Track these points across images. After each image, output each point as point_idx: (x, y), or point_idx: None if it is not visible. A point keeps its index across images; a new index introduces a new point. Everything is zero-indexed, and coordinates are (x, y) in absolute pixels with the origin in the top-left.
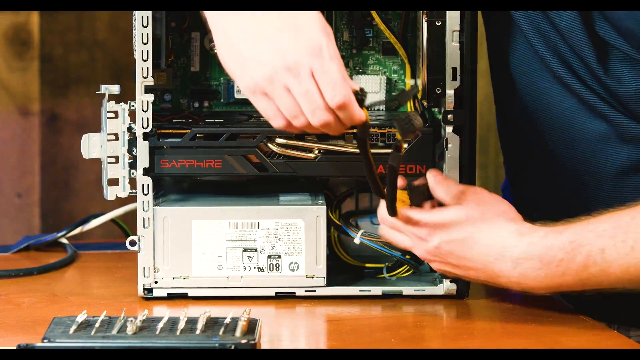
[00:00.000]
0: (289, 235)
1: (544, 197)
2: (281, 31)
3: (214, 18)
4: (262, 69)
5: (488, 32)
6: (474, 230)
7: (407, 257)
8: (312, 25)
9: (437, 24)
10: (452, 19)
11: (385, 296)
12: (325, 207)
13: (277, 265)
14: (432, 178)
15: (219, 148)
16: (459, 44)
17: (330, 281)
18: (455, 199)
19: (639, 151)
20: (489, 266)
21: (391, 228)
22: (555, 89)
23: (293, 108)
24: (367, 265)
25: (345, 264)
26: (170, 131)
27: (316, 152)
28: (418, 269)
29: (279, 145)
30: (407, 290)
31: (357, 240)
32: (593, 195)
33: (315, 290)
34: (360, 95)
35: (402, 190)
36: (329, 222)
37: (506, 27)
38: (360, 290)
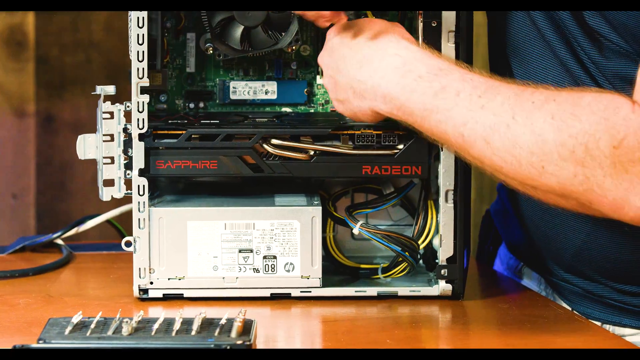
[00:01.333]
0: (285, 236)
1: None
2: None
3: None
4: None
5: (491, 21)
6: (372, 21)
7: (406, 253)
8: None
9: (432, 24)
10: (448, 19)
11: (380, 297)
12: (320, 207)
13: (273, 266)
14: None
15: (214, 149)
16: (454, 45)
17: (326, 282)
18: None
19: None
20: (366, 55)
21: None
22: (561, 78)
23: None
24: (363, 266)
25: (341, 264)
26: (165, 132)
27: (311, 152)
28: (414, 266)
29: (275, 146)
30: (403, 291)
31: (356, 231)
32: None
33: (310, 291)
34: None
35: None
36: (326, 218)
37: (513, 14)
38: (355, 291)
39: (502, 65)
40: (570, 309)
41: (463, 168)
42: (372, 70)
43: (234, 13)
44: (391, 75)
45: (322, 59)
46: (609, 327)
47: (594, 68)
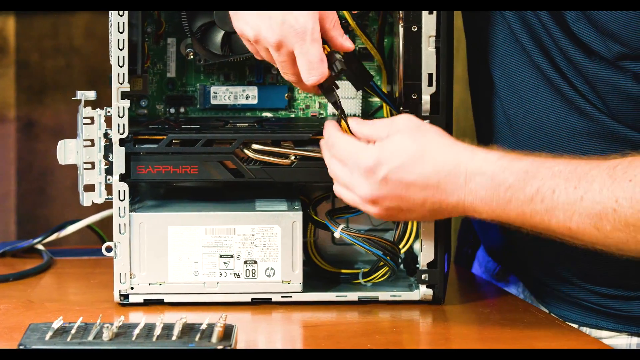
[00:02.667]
0: (265, 241)
1: None
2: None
3: None
4: (249, 29)
5: (468, 24)
6: (424, 150)
7: (388, 257)
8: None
9: (413, 29)
10: (428, 24)
11: (361, 302)
12: (301, 212)
13: (253, 271)
14: (354, 122)
15: (195, 154)
16: (435, 50)
17: (307, 287)
18: (388, 128)
19: (611, 146)
20: (440, 185)
21: (338, 161)
22: (536, 82)
23: (271, 60)
24: (343, 270)
25: (322, 269)
26: (146, 137)
27: (292, 158)
28: (395, 270)
29: (255, 151)
30: (384, 295)
31: (337, 235)
32: None
33: (291, 296)
34: (336, 73)
35: None
36: (307, 223)
37: (489, 18)
38: (336, 296)
39: (482, 71)
40: (547, 311)
41: None
42: (458, 195)
43: (215, 18)
44: (481, 193)
45: (362, 188)
46: (586, 330)
47: (573, 72)
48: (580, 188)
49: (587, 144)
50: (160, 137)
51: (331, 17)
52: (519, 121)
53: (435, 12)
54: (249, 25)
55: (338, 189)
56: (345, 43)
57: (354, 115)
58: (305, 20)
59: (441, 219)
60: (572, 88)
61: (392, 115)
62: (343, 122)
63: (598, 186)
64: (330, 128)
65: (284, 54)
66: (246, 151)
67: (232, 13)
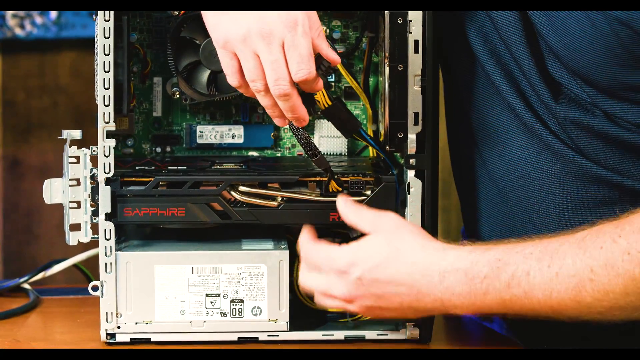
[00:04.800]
0: (252, 280)
1: (494, 233)
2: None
3: None
4: (236, 29)
5: (444, 66)
6: (398, 252)
7: None
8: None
9: (399, 68)
10: (414, 63)
11: (348, 340)
12: (287, 251)
13: (240, 310)
14: (343, 203)
15: (182, 196)
16: (420, 89)
17: (293, 326)
18: (370, 225)
19: (586, 186)
20: (415, 285)
21: (312, 269)
22: (510, 123)
23: (255, 72)
24: (330, 309)
25: (308, 308)
26: (133, 179)
27: (279, 200)
28: None
29: (242, 193)
30: (370, 334)
31: None
32: (541, 231)
33: (278, 335)
34: (323, 71)
35: None
36: (293, 262)
37: (463, 59)
38: (323, 335)
39: (458, 112)
40: None
41: (430, 212)
42: (434, 294)
43: (201, 57)
44: (457, 289)
45: (338, 288)
46: None
47: (545, 112)
48: (554, 265)
49: (561, 185)
50: (147, 179)
51: (316, 26)
52: (495, 163)
53: (420, 52)
54: (237, 22)
55: (319, 299)
56: (331, 54)
57: (340, 155)
58: (296, 14)
59: (424, 316)
60: (546, 128)
61: (377, 156)
62: (333, 182)
63: (571, 260)
64: (303, 239)
65: (276, 49)
66: (233, 193)
67: (213, 19)
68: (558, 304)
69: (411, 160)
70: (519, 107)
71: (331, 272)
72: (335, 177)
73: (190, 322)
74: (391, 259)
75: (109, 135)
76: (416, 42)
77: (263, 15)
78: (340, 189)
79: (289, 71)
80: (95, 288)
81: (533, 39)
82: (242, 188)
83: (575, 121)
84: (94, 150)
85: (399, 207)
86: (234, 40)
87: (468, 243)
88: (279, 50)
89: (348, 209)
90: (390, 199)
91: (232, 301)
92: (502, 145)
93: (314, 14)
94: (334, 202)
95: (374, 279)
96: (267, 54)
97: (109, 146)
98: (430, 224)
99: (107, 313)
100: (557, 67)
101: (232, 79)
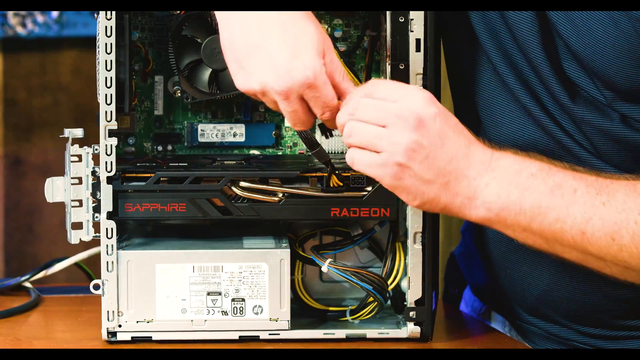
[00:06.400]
0: (253, 279)
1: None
2: (279, 52)
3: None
4: (254, 82)
5: (450, 65)
6: (454, 122)
7: (376, 291)
8: (309, 51)
9: (400, 67)
10: (416, 62)
11: (349, 339)
12: (289, 250)
13: (241, 309)
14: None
15: (183, 192)
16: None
17: (294, 324)
18: (400, 91)
19: None
20: (470, 145)
21: (373, 110)
22: (523, 122)
23: (277, 110)
24: (331, 308)
25: (309, 307)
26: (134, 175)
27: (280, 195)
28: (383, 305)
29: (243, 188)
30: (371, 333)
31: (325, 269)
32: None
33: (279, 334)
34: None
35: None
36: (294, 260)
37: (472, 59)
38: (324, 334)
39: (468, 111)
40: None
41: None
42: (479, 169)
43: (202, 56)
44: (501, 173)
45: (405, 110)
46: None
47: (560, 112)
48: (603, 195)
49: None
50: (148, 175)
51: (335, 63)
52: None
53: (422, 51)
54: (254, 78)
55: (354, 153)
56: (344, 85)
57: (341, 153)
58: (313, 65)
59: (449, 199)
60: (560, 128)
61: None
62: (334, 177)
63: (622, 197)
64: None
65: (294, 102)
66: (234, 189)
67: (234, 69)
68: (592, 233)
69: None
70: (532, 107)
71: (403, 111)
72: (337, 172)
73: (192, 320)
74: (450, 116)
75: (111, 133)
76: (417, 40)
77: (278, 74)
78: (341, 184)
79: (310, 114)
80: (96, 287)
81: (549, 38)
82: (243, 183)
83: (590, 123)
84: (96, 149)
85: (400, 203)
86: (253, 90)
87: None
88: (297, 102)
89: (361, 88)
90: (392, 195)
91: (233, 300)
92: (515, 145)
93: (331, 48)
94: (335, 197)
95: (445, 121)
96: (285, 106)
97: (111, 145)
98: (431, 222)
99: (108, 312)
100: (574, 68)
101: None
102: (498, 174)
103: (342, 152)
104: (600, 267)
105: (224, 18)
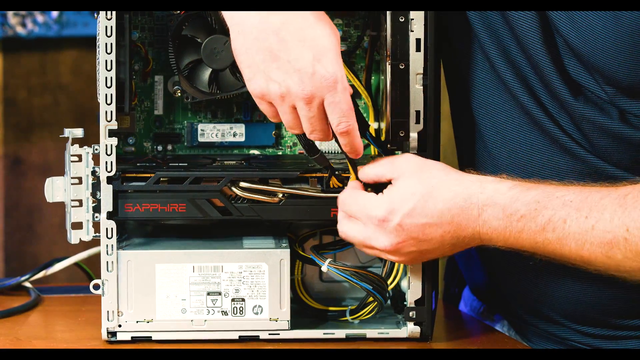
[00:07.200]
0: (253, 279)
1: None
2: (301, 57)
3: (231, 14)
4: (274, 87)
5: (447, 63)
6: (433, 189)
7: (376, 290)
8: (330, 56)
9: (400, 67)
10: (416, 62)
11: (349, 339)
12: (289, 250)
13: (241, 309)
14: (360, 171)
15: (183, 192)
16: (422, 87)
17: (294, 324)
18: (392, 170)
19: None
20: (454, 220)
21: (350, 217)
22: (519, 120)
23: (293, 122)
24: (331, 308)
25: (309, 307)
26: (134, 175)
27: (280, 195)
28: (383, 305)
29: (243, 189)
30: (371, 333)
31: (324, 269)
32: None
33: (279, 334)
34: (363, 127)
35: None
36: (294, 260)
37: (469, 56)
38: (324, 334)
39: (465, 109)
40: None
41: None
42: (473, 227)
43: (202, 56)
44: (494, 224)
45: (379, 240)
46: None
47: (558, 110)
48: (592, 217)
49: (569, 181)
50: (148, 175)
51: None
52: (503, 160)
53: (422, 50)
54: (275, 81)
55: (360, 249)
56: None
57: (341, 153)
58: (335, 69)
59: (461, 250)
60: (557, 126)
61: (378, 154)
62: (334, 178)
63: (609, 215)
64: (345, 190)
65: (315, 107)
66: (234, 189)
67: (248, 74)
68: (589, 255)
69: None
70: (529, 104)
71: (369, 222)
72: (336, 173)
73: (191, 320)
74: (428, 197)
75: (111, 133)
76: (418, 40)
77: (300, 79)
78: (340, 185)
79: (328, 123)
80: (96, 286)
81: (550, 35)
82: (243, 184)
83: (590, 120)
84: (96, 149)
85: None
86: (272, 96)
87: (508, 178)
88: (317, 108)
89: (362, 167)
90: None
91: (233, 300)
92: (511, 142)
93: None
94: (335, 198)
95: (413, 223)
96: (305, 112)
97: (111, 144)
98: None
99: (108, 312)
100: (574, 65)
101: (273, 120)
102: (490, 225)
103: (340, 152)
104: (612, 277)
105: (236, 24)
